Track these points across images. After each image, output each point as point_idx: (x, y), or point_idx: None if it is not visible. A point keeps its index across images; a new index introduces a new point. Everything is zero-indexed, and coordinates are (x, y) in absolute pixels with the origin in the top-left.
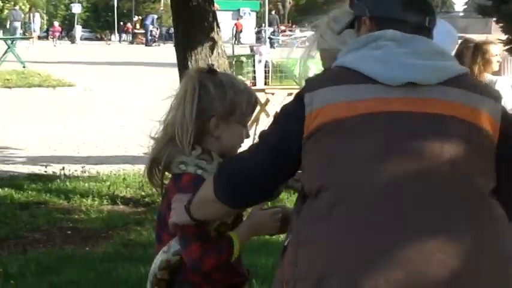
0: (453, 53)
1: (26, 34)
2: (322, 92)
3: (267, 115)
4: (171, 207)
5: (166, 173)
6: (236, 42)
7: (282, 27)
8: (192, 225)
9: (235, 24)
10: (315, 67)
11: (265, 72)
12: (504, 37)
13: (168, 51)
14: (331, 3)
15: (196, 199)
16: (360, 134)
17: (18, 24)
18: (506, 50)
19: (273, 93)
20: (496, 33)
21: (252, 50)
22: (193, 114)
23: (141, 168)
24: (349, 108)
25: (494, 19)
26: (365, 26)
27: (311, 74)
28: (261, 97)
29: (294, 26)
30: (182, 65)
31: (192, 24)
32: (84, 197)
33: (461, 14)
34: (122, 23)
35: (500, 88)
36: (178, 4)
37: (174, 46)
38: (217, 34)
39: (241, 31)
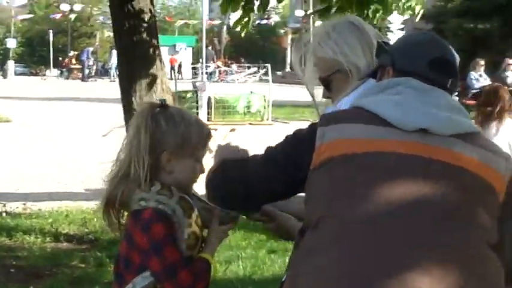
0: None
1: None
2: (334, 128)
3: (210, 151)
4: (133, 246)
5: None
6: (179, 77)
7: (219, 63)
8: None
9: (170, 60)
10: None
11: (208, 108)
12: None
13: (105, 87)
14: (268, 40)
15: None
16: (363, 171)
17: None
18: None
19: (215, 129)
20: None
21: (194, 86)
22: (147, 149)
23: (82, 204)
24: (358, 145)
25: None
26: (387, 76)
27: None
28: None
29: (230, 61)
30: (126, 100)
31: (136, 59)
32: (27, 234)
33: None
34: (60, 58)
35: None
36: (123, 40)
37: (119, 82)
38: (161, 70)
39: (180, 66)
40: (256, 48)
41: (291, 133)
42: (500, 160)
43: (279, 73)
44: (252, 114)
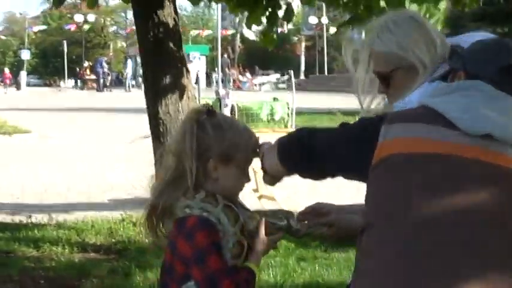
0: None
1: None
2: (398, 126)
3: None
4: (176, 254)
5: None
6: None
7: (233, 71)
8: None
9: None
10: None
11: (232, 116)
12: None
13: (121, 97)
14: (281, 48)
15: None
16: (422, 173)
17: None
18: None
19: None
20: None
21: (217, 93)
22: (194, 157)
23: (106, 214)
24: (419, 145)
25: None
26: (458, 80)
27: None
28: None
29: (245, 70)
30: (152, 109)
31: (161, 69)
32: (54, 245)
33: None
34: (77, 69)
35: None
36: (148, 49)
37: (144, 91)
38: (187, 78)
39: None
40: (269, 56)
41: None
42: None
43: (294, 80)
44: (276, 121)
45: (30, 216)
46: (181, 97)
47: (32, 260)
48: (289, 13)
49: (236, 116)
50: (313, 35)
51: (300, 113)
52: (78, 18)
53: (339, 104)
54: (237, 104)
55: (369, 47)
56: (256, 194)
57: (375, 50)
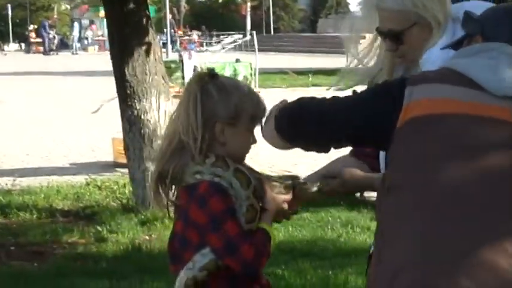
0: None
1: None
2: (423, 87)
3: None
4: (189, 223)
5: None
6: None
7: (179, 32)
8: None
9: None
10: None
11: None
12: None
13: (69, 60)
14: (226, 7)
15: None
16: (449, 135)
17: None
18: None
19: None
20: None
21: (180, 55)
22: (199, 121)
23: (69, 179)
24: (445, 105)
25: None
26: (475, 43)
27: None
28: None
29: (191, 30)
30: (118, 71)
31: (128, 29)
32: (22, 211)
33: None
34: (27, 32)
35: None
36: (113, 10)
37: (110, 53)
38: (154, 39)
39: None
40: (215, 17)
41: (381, 83)
42: None
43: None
44: None
45: None
46: (148, 59)
47: (1, 227)
48: None
49: None
50: None
51: (261, 73)
52: None
53: (294, 63)
54: (200, 66)
55: (376, 5)
56: None
57: (388, 7)
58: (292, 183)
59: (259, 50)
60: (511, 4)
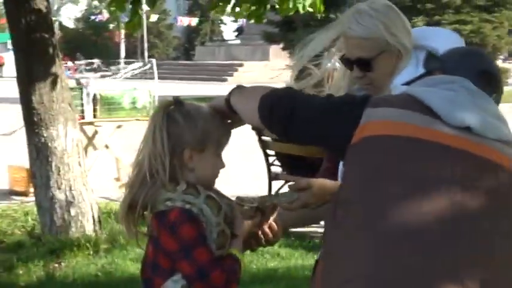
0: None
1: None
2: (383, 110)
3: (94, 148)
4: (160, 249)
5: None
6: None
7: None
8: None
9: None
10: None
11: (94, 105)
12: (291, 63)
13: None
14: (100, 35)
15: (247, 92)
16: (403, 157)
17: None
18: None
19: (100, 126)
20: (275, 60)
21: (78, 83)
22: (165, 148)
23: None
24: (402, 129)
25: (279, 46)
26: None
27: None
28: (90, 130)
29: (65, 58)
30: (25, 99)
31: (34, 58)
32: None
33: (238, 42)
34: None
35: None
36: (20, 37)
37: (17, 80)
38: (60, 67)
39: (3, 64)
40: (88, 44)
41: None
42: None
43: (113, 68)
44: (138, 110)
45: None
46: (54, 86)
47: None
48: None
49: (98, 105)
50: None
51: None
52: None
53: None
54: (99, 93)
55: (344, 33)
56: (117, 183)
57: (357, 35)
58: (258, 204)
59: (144, 78)
60: (472, 47)
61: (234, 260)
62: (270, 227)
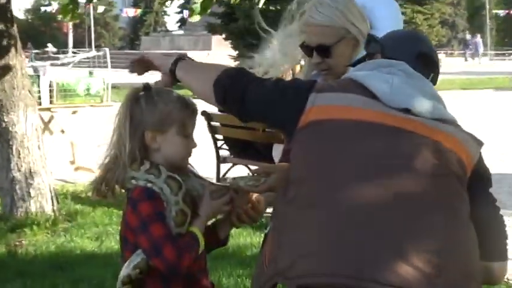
0: None
1: None
2: (327, 95)
3: (51, 133)
4: (126, 224)
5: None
6: None
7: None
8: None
9: None
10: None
11: (50, 92)
12: (233, 53)
13: None
14: (49, 25)
15: (197, 70)
16: (344, 138)
17: None
18: (238, 65)
19: (56, 112)
20: (217, 50)
21: (35, 70)
22: (127, 131)
23: None
24: (346, 112)
25: (221, 36)
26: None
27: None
28: (46, 115)
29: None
30: None
31: None
32: None
33: (181, 32)
34: None
35: None
36: None
37: None
38: (20, 56)
39: None
40: (38, 34)
41: (292, 79)
42: (474, 143)
43: (66, 55)
44: (93, 96)
45: None
46: (15, 74)
47: None
48: None
49: (55, 92)
50: (81, 13)
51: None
52: None
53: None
54: (55, 81)
55: (305, 22)
56: (72, 166)
57: (318, 23)
58: (229, 184)
59: (93, 66)
60: (409, 30)
61: (191, 238)
62: (252, 204)
